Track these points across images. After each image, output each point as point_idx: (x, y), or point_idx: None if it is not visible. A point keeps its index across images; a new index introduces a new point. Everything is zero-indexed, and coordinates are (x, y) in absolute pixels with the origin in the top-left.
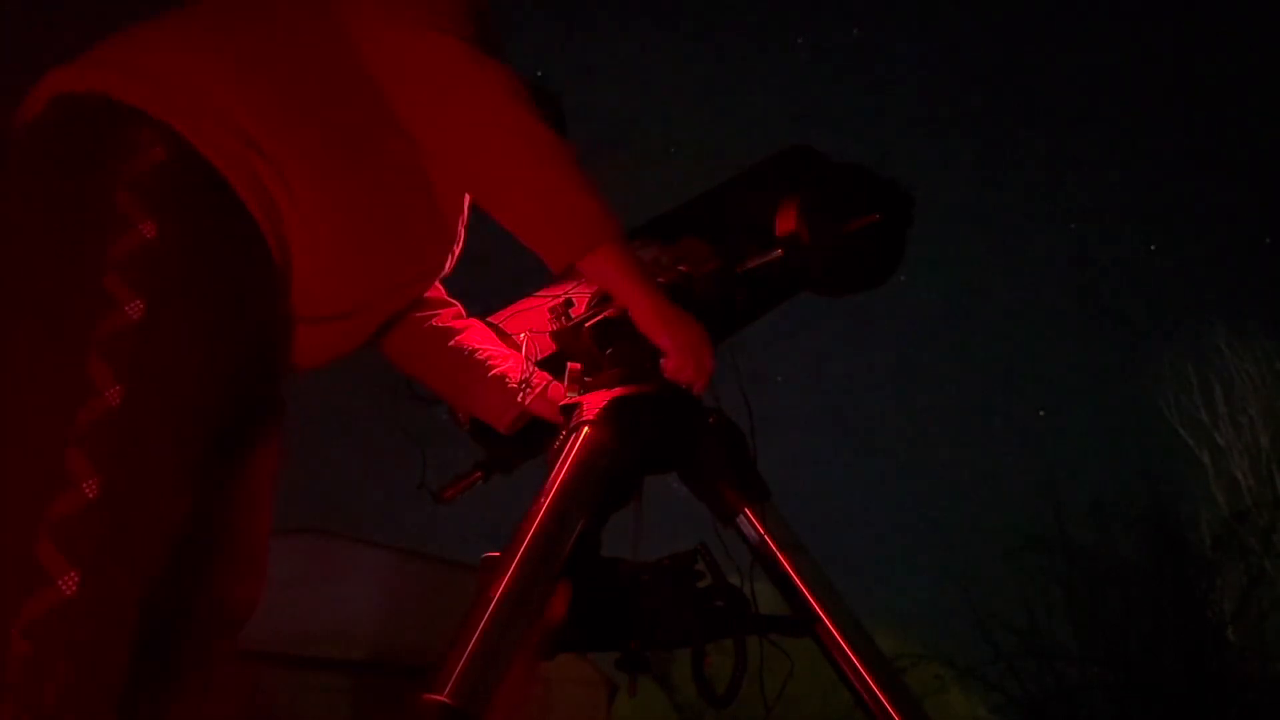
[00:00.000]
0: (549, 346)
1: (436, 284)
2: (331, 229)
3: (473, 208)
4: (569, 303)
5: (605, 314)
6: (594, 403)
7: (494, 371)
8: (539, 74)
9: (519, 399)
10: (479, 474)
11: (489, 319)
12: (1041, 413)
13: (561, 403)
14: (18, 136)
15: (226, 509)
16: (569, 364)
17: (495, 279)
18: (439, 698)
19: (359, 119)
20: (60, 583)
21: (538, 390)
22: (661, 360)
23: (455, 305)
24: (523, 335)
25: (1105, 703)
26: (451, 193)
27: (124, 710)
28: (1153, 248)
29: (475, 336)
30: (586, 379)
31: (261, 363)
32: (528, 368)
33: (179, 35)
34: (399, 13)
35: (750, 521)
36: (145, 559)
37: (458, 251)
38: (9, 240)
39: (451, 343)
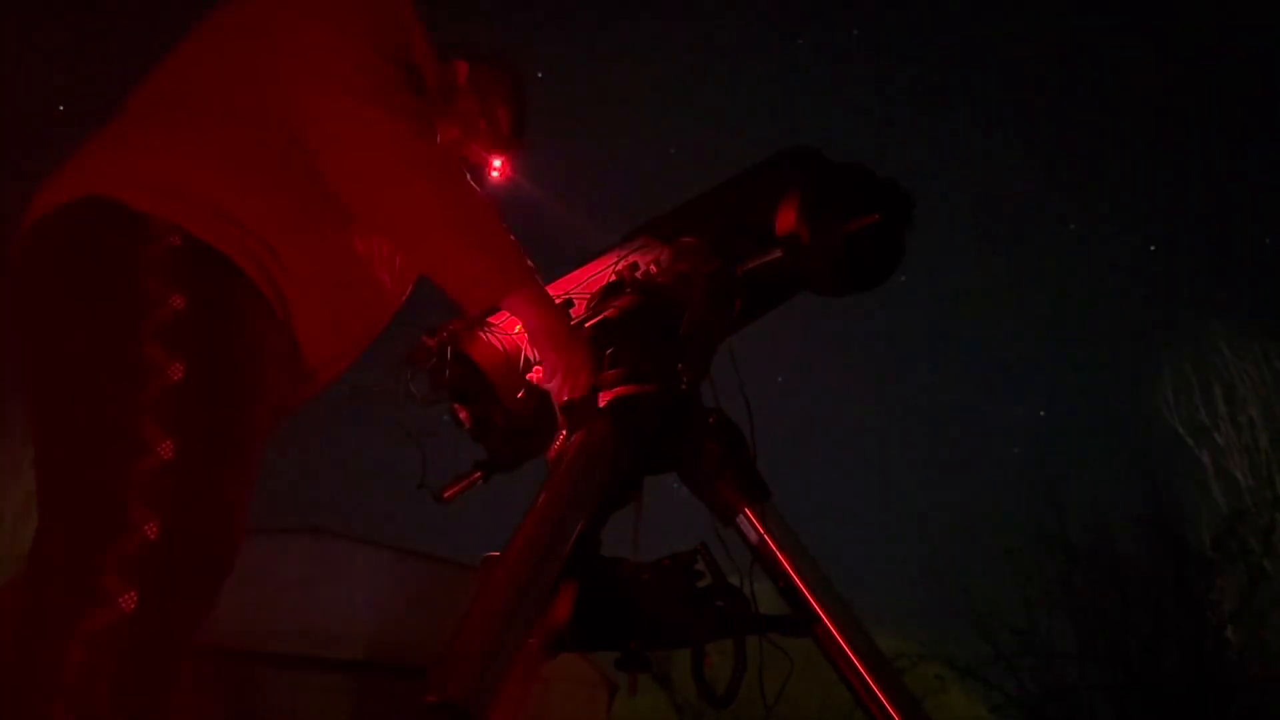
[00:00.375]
0: None
1: None
2: (319, 292)
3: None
4: (569, 303)
5: (605, 314)
6: (593, 402)
7: None
8: (539, 75)
9: None
10: (479, 474)
11: (490, 318)
12: (1042, 413)
13: (562, 403)
14: (31, 243)
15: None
16: None
17: None
18: (439, 698)
19: (320, 195)
20: (120, 601)
21: None
22: (535, 369)
23: None
24: (523, 335)
25: (1105, 703)
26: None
27: (165, 713)
28: (1153, 248)
29: None
30: None
31: (272, 412)
32: None
33: (160, 139)
34: (335, 86)
35: (750, 521)
36: (196, 588)
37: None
38: (54, 331)
39: None
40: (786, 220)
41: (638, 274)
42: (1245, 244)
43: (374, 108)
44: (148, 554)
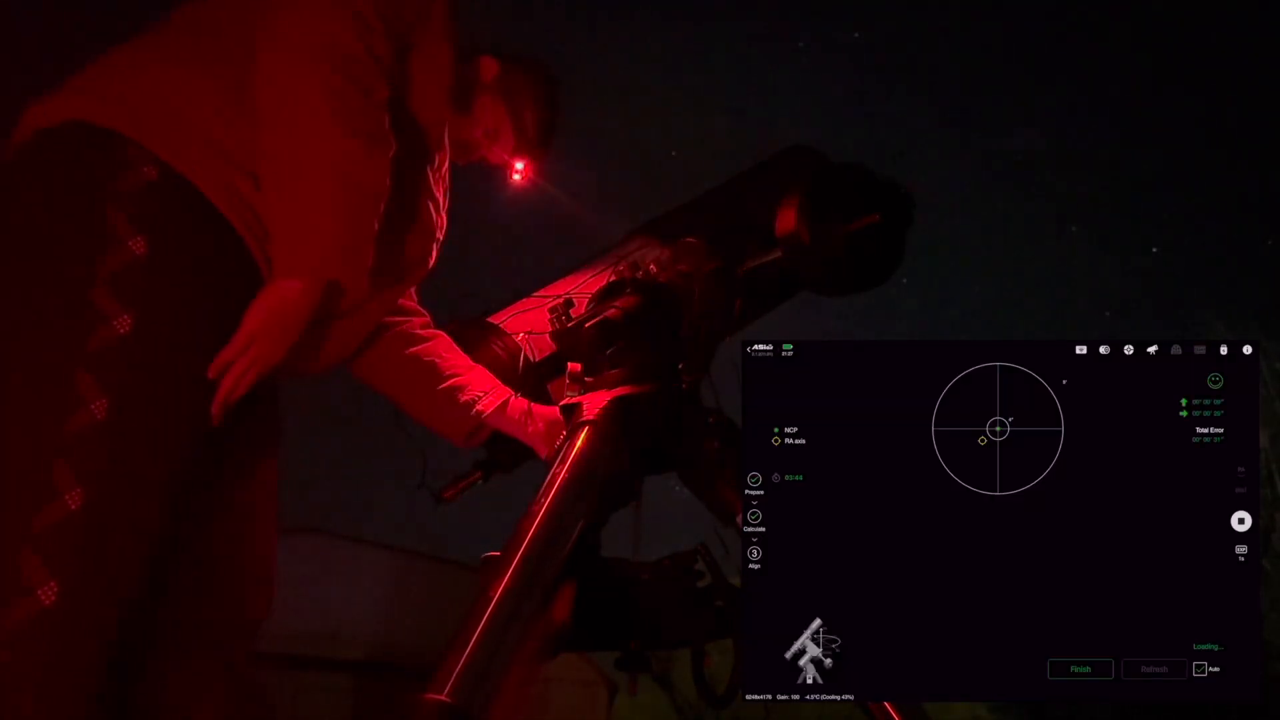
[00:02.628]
0: (549, 346)
1: (410, 290)
2: None
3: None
4: (569, 303)
5: (605, 314)
6: (594, 403)
7: (448, 383)
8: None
9: (475, 410)
10: (479, 474)
11: (489, 319)
12: None
13: (561, 403)
14: (4, 168)
15: (218, 522)
16: (569, 364)
17: (495, 279)
18: (439, 698)
19: None
20: (40, 593)
21: (495, 404)
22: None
23: (424, 315)
24: (523, 335)
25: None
26: (425, 183)
27: (95, 717)
28: (1154, 250)
29: (439, 347)
30: (586, 379)
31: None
32: (492, 383)
33: (152, 61)
34: (286, 40)
35: None
36: (124, 570)
37: (440, 239)
38: (10, 263)
39: (410, 350)
40: (786, 220)
41: (638, 274)
42: (1245, 244)
43: (312, 62)
44: (68, 529)
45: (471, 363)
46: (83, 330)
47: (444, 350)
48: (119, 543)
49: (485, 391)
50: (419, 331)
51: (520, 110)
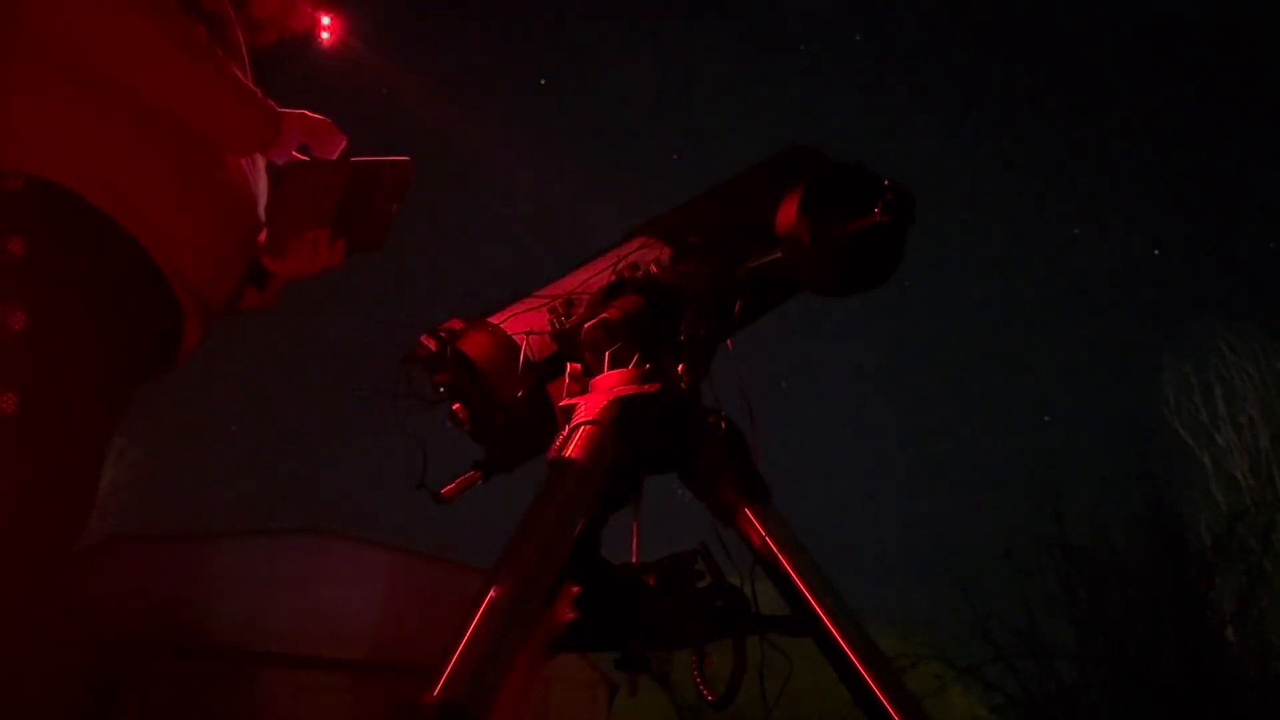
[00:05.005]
0: (549, 346)
1: None
2: (187, 201)
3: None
4: (569, 303)
5: (606, 314)
6: (593, 403)
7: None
8: (542, 82)
9: None
10: (478, 474)
11: (489, 319)
12: (1047, 418)
13: (561, 403)
14: None
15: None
16: (569, 364)
17: (496, 278)
18: (439, 698)
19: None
20: None
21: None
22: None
23: None
24: (523, 335)
25: (1105, 703)
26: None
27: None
28: (1156, 252)
29: None
30: (586, 379)
31: (148, 344)
32: None
33: None
34: None
35: (750, 521)
36: (26, 571)
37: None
38: None
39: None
40: (786, 220)
41: (638, 274)
42: (1246, 246)
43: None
44: None
45: None
46: None
47: None
48: (31, 538)
49: None
50: None
51: None
